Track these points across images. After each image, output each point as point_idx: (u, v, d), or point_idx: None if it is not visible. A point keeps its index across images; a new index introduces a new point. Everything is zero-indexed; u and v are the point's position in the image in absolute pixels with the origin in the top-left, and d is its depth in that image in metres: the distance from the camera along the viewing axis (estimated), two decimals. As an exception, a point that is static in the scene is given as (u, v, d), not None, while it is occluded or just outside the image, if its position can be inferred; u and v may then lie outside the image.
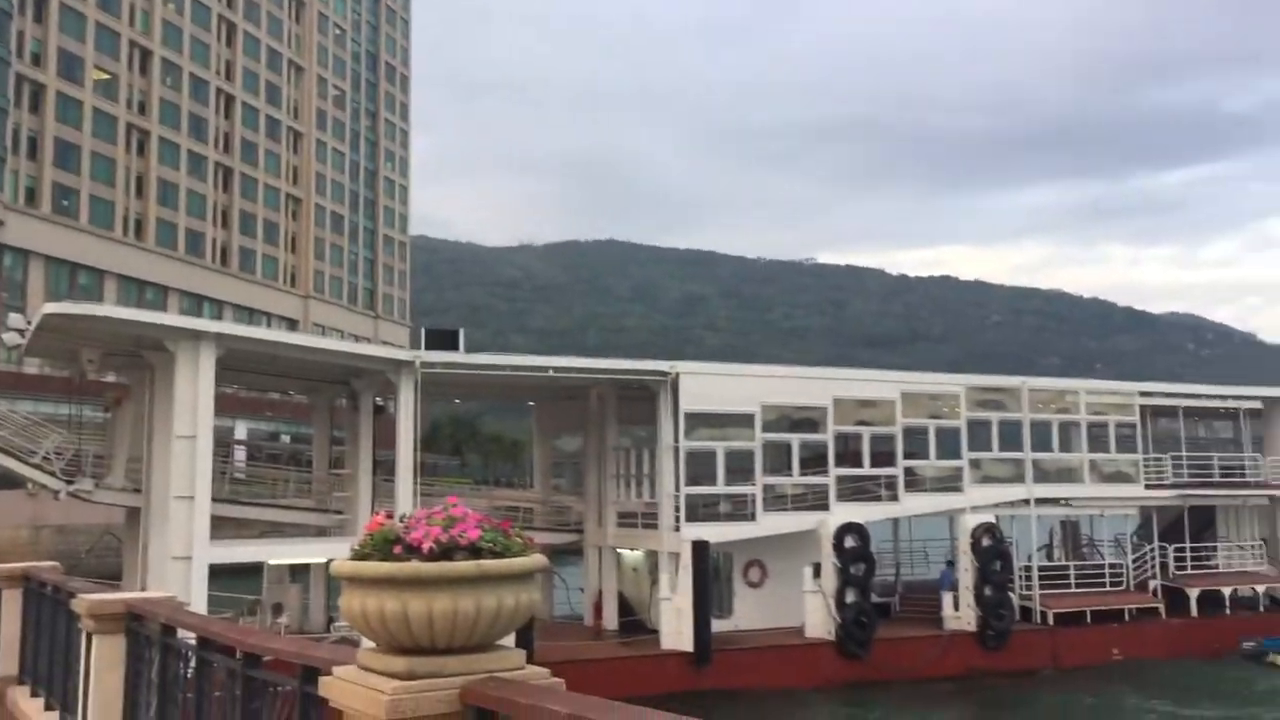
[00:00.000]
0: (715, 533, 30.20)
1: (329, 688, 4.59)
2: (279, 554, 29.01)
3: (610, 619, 32.91)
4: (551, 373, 31.59)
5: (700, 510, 30.69)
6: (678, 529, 29.98)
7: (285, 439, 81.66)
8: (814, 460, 32.56)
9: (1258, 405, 40.31)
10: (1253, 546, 38.69)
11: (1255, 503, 39.16)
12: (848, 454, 33.14)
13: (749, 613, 31.69)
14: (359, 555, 4.44)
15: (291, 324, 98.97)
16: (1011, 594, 32.87)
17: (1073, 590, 34.66)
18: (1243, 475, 38.99)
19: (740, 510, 31.26)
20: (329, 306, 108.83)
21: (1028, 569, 34.47)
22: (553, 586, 36.73)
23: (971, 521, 32.68)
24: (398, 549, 4.33)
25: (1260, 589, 36.91)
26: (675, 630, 28.35)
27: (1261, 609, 36.42)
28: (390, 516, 4.62)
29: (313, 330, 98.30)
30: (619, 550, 33.56)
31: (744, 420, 31.54)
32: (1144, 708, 27.92)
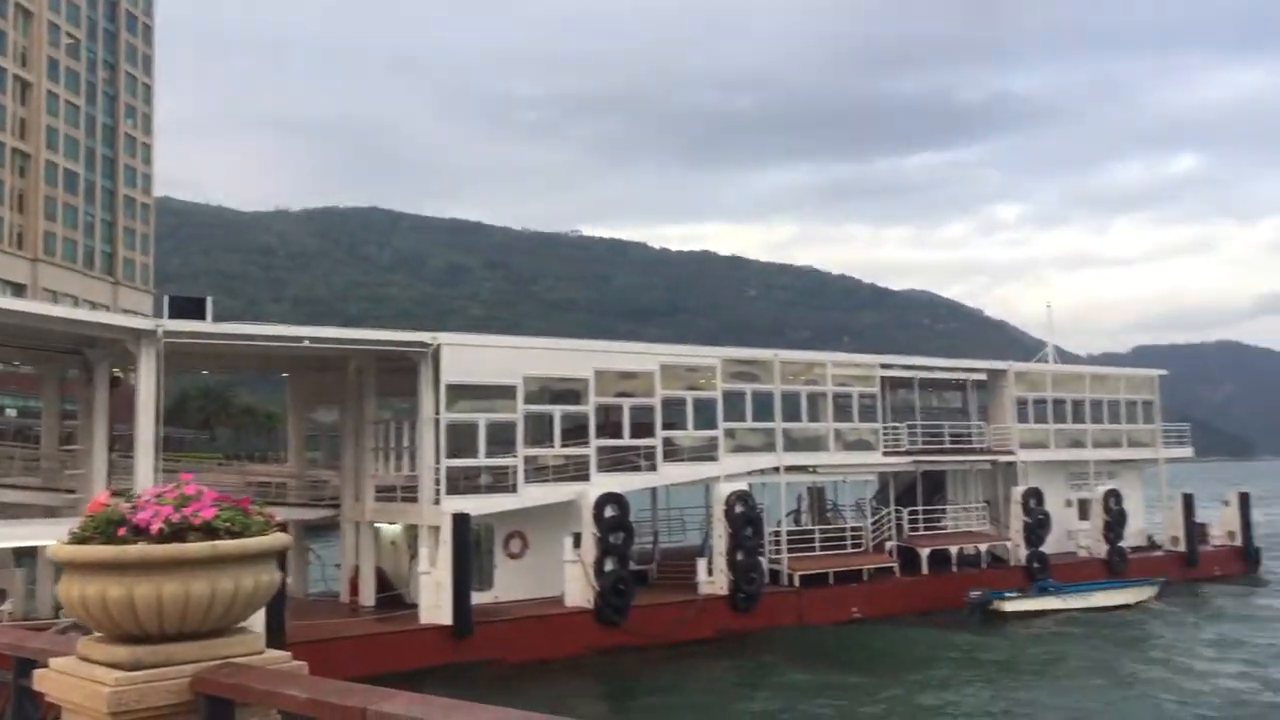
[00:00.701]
0: (476, 505, 30.05)
1: (45, 681, 4.29)
2: (1, 536, 26.86)
3: (367, 595, 32.25)
4: (307, 343, 30.51)
5: (461, 483, 30.45)
6: (438, 502, 29.65)
7: (10, 413, 75.64)
8: (575, 431, 32.86)
9: (983, 377, 43.50)
10: (978, 508, 41.83)
11: (980, 468, 42.33)
12: (608, 425, 33.62)
13: (510, 584, 31.74)
14: (79, 538, 4.15)
15: (18, 289, 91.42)
16: (762, 558, 34.29)
17: (817, 553, 36.53)
18: (970, 442, 42.03)
19: (502, 482, 31.22)
20: (61, 271, 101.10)
21: (777, 534, 36.04)
22: (307, 563, 35.66)
23: (726, 489, 33.83)
24: (122, 531, 4.08)
25: (983, 547, 39.94)
26: (434, 604, 28.05)
27: (984, 566, 39.43)
28: (116, 495, 4.35)
29: (42, 296, 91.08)
30: (377, 525, 32.89)
31: (506, 392, 31.45)
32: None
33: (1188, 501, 45.58)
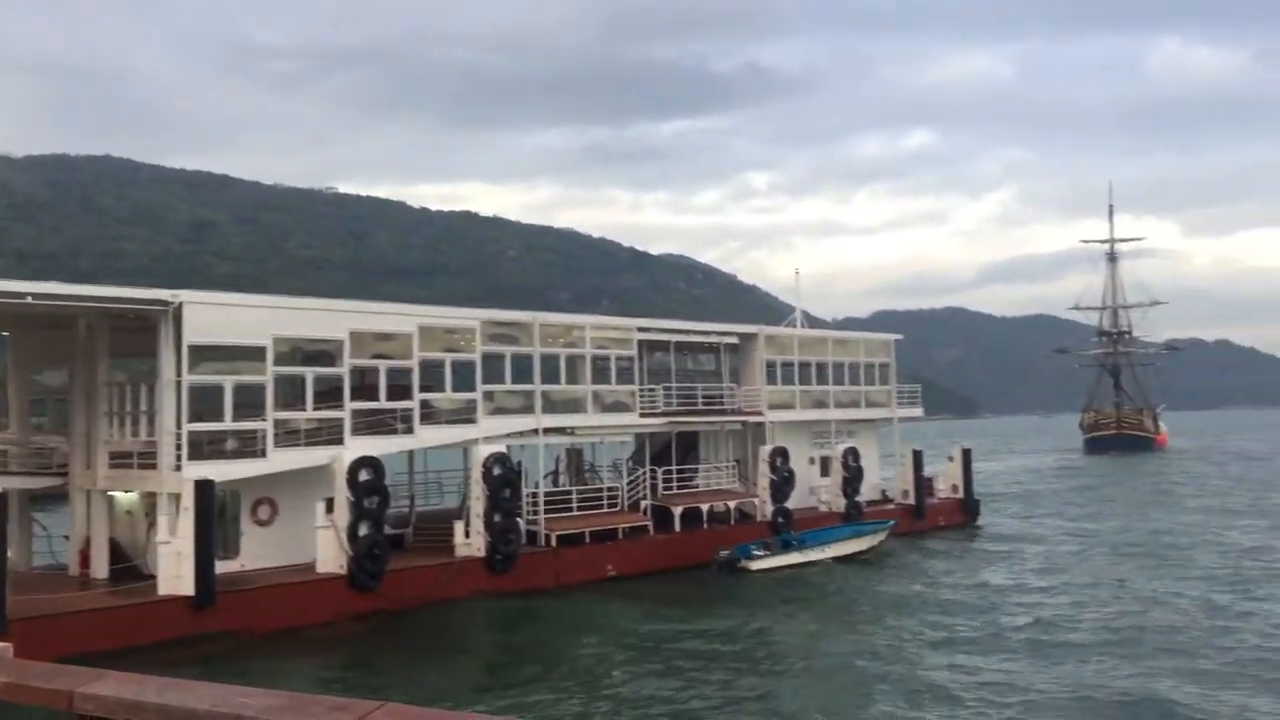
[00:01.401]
0: (221, 471, 28.69)
1: None
2: None
3: (100, 567, 30.29)
4: (30, 300, 28.12)
5: (205, 448, 28.97)
6: (179, 468, 28.12)
7: None
8: (329, 394, 31.84)
9: (735, 340, 45.01)
10: (728, 467, 43.39)
11: (731, 428, 43.87)
12: (364, 387, 32.75)
13: (258, 552, 30.57)
14: None
15: None
16: (520, 519, 34.41)
17: (574, 513, 36.98)
18: (722, 404, 43.46)
19: (249, 447, 29.91)
20: None
21: (535, 495, 36.24)
22: (31, 535, 33.16)
23: (484, 451, 33.68)
24: None
25: (732, 504, 41.48)
26: (174, 574, 26.66)
27: (733, 522, 40.99)
28: None
29: None
30: (111, 493, 30.89)
31: (254, 353, 30.10)
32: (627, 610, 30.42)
33: (917, 458, 48.84)
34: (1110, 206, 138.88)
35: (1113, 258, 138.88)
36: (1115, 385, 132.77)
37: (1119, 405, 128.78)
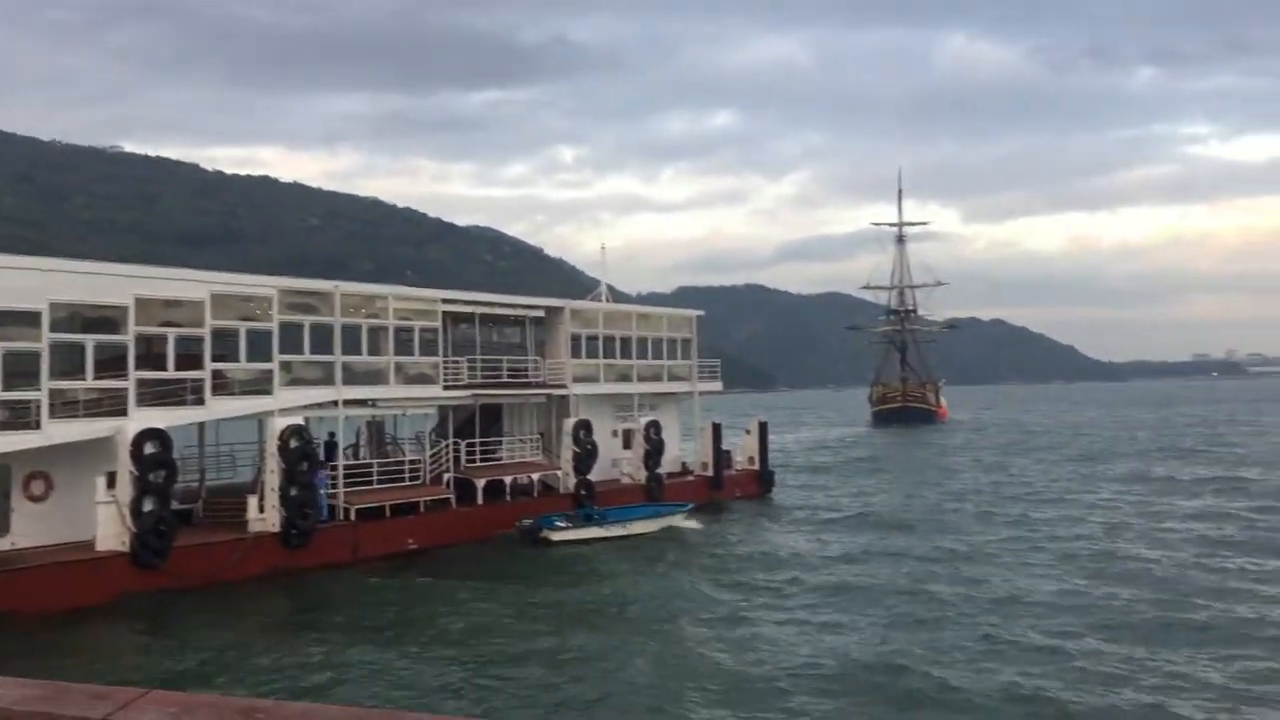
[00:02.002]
0: (-12, 444, 26.74)
1: None
2: None
3: None
4: None
5: (-29, 419, 26.92)
6: (-60, 442, 26.05)
7: None
8: (112, 363, 30.06)
9: (541, 314, 44.92)
10: (532, 440, 43.36)
11: (535, 401, 43.83)
12: (151, 356, 31.06)
13: (31, 529, 28.65)
14: None
15: None
16: (322, 493, 33.45)
17: (375, 486, 36.24)
18: (527, 376, 43.35)
19: (21, 418, 27.93)
20: None
21: (334, 468, 35.31)
22: None
23: (280, 424, 32.56)
24: None
25: (536, 477, 41.50)
26: (-64, 555, 24.74)
27: (536, 494, 41.02)
28: None
29: None
30: None
31: (28, 319, 28.11)
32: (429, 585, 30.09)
33: (716, 430, 50.03)
34: (899, 192, 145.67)
35: (901, 240, 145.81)
36: (902, 361, 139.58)
37: (905, 380, 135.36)
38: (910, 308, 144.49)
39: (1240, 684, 18.93)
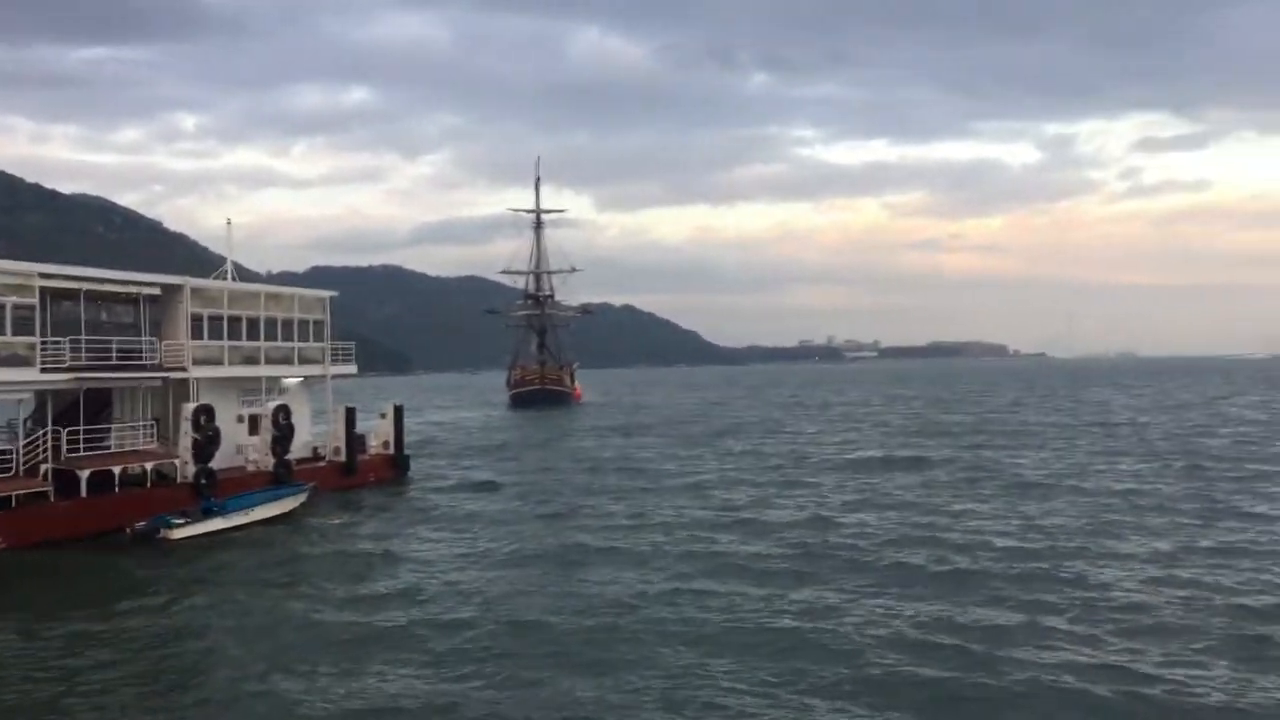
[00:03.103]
0: None
1: None
2: None
3: None
4: None
5: None
6: None
7: None
8: None
9: (157, 292, 41.55)
10: (146, 426, 40.07)
11: (150, 384, 40.55)
12: None
13: None
14: None
15: None
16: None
17: (-45, 482, 32.13)
18: (140, 359, 39.99)
19: None
20: None
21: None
22: None
23: None
24: None
25: (149, 466, 38.43)
26: None
27: (150, 485, 37.99)
28: None
29: None
30: None
31: None
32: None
33: (349, 414, 48.61)
34: (537, 179, 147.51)
35: (538, 226, 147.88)
36: (540, 345, 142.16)
37: (543, 363, 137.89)
38: (547, 293, 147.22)
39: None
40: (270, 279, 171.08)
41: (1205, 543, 30.49)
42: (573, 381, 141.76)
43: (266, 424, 43.70)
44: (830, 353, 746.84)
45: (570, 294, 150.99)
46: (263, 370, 45.84)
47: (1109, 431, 73.07)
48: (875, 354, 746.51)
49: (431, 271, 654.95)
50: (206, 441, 39.70)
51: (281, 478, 42.83)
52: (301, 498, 40.38)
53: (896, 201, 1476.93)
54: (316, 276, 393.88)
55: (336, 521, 38.58)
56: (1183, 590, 24.44)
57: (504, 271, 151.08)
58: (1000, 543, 30.95)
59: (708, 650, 20.16)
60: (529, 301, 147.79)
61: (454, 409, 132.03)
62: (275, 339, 46.94)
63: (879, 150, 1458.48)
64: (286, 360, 47.72)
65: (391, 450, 52.13)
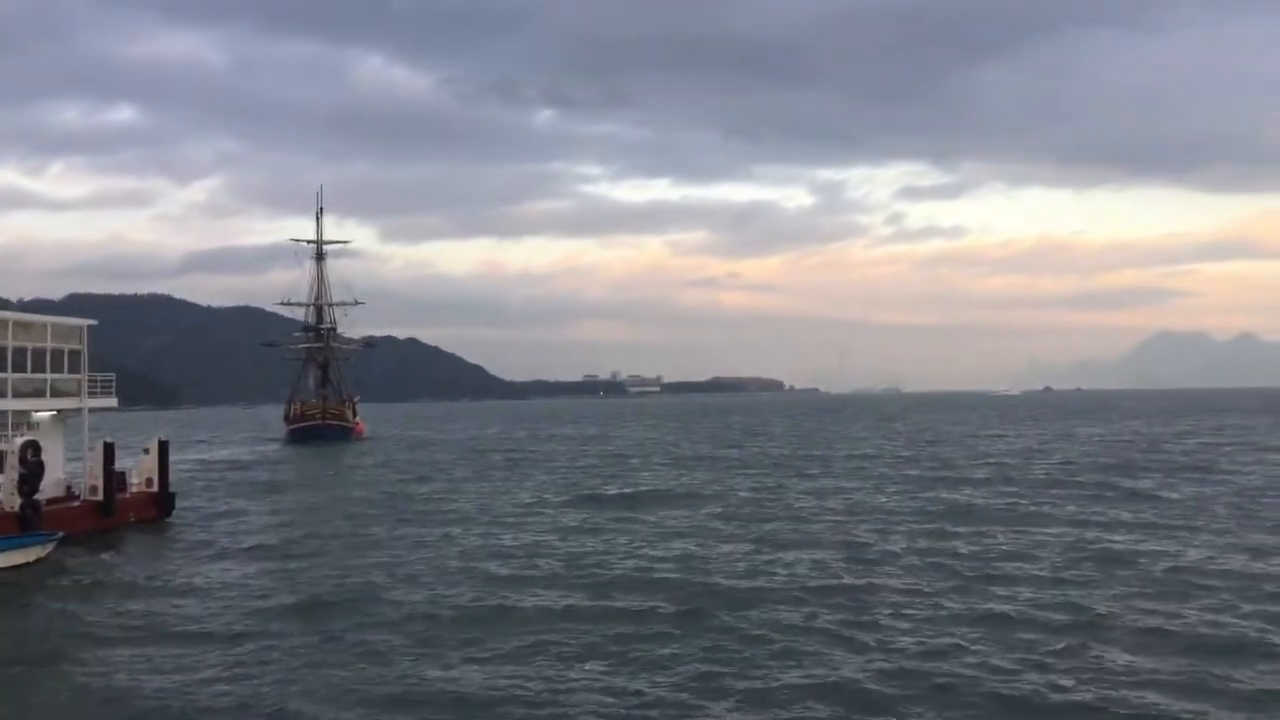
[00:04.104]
0: None
1: None
2: None
3: None
4: None
5: None
6: None
7: None
8: None
9: (-115, 317, 37.76)
10: None
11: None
12: None
13: None
14: None
15: None
16: None
17: None
18: None
19: None
20: None
21: None
22: None
23: None
24: None
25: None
26: None
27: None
28: None
29: None
30: None
31: None
32: None
33: (108, 450, 45.38)
34: (319, 209, 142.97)
35: (320, 257, 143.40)
36: (322, 378, 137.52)
37: (324, 397, 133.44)
38: (329, 325, 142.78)
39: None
40: (24, 306, 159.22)
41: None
42: (354, 416, 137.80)
43: (12, 461, 40.23)
44: (614, 387, 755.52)
45: (352, 326, 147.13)
46: (9, 404, 42.32)
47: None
48: (659, 389, 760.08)
49: (204, 301, 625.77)
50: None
51: (28, 520, 39.44)
52: (48, 548, 37.01)
53: (678, 239, 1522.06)
54: (76, 304, 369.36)
55: (88, 563, 35.77)
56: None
57: (282, 303, 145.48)
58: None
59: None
60: (309, 334, 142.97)
61: (227, 445, 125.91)
62: (25, 370, 43.42)
63: (662, 189, 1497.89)
64: (38, 393, 44.21)
65: (155, 488, 48.90)
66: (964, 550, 35.32)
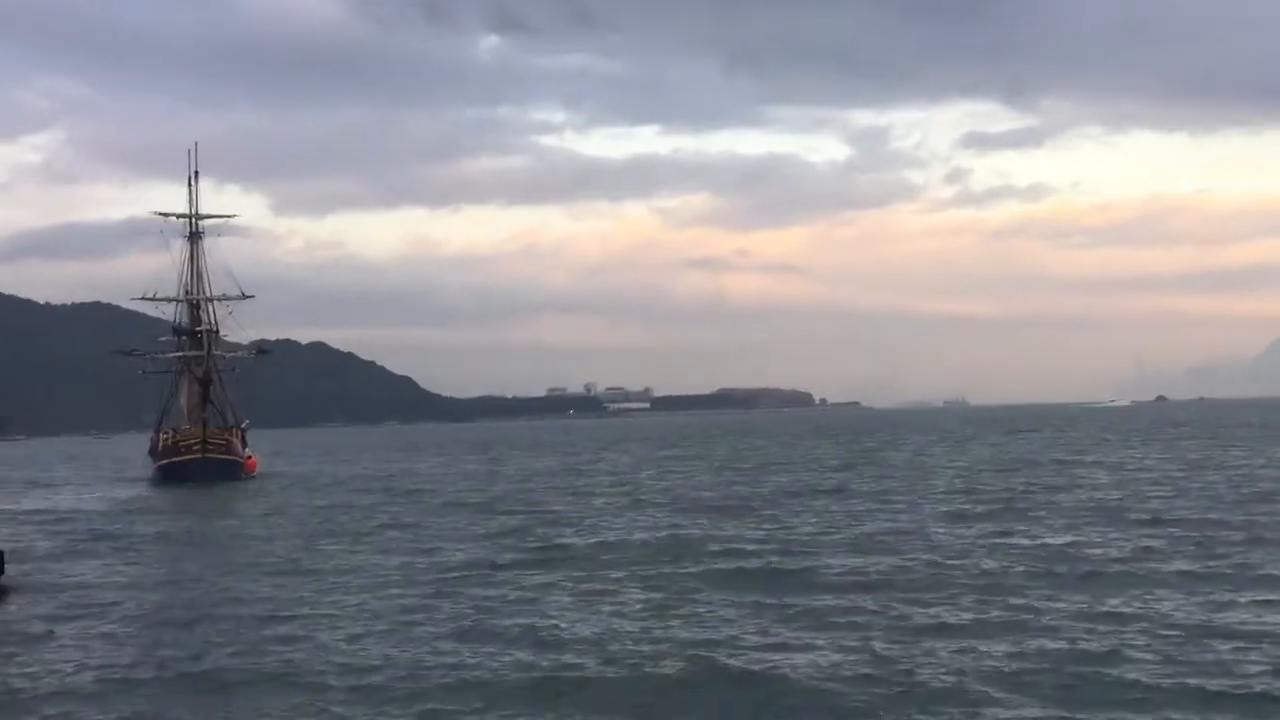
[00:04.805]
0: None
1: None
2: None
3: None
4: None
5: None
6: None
7: None
8: None
9: None
10: None
11: None
12: None
13: None
14: None
15: None
16: None
17: None
18: None
19: None
20: None
21: None
22: None
23: None
24: None
25: None
26: None
27: None
28: None
29: None
30: None
31: None
32: None
33: (-98, 501, 42.51)
34: (194, 173, 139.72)
35: (195, 235, 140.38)
36: (201, 398, 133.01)
37: (204, 423, 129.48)
38: (208, 326, 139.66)
39: None
40: None
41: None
42: (244, 447, 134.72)
43: None
44: (589, 403, 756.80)
45: (239, 328, 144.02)
46: None
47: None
48: (647, 404, 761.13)
49: (39, 297, 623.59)
50: None
51: None
52: None
53: (670, 206, 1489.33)
54: None
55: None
56: None
57: (143, 298, 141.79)
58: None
59: None
60: (182, 338, 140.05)
61: (72, 489, 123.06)
62: None
63: (647, 140, 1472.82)
64: None
65: (-31, 551, 46.18)
66: None
